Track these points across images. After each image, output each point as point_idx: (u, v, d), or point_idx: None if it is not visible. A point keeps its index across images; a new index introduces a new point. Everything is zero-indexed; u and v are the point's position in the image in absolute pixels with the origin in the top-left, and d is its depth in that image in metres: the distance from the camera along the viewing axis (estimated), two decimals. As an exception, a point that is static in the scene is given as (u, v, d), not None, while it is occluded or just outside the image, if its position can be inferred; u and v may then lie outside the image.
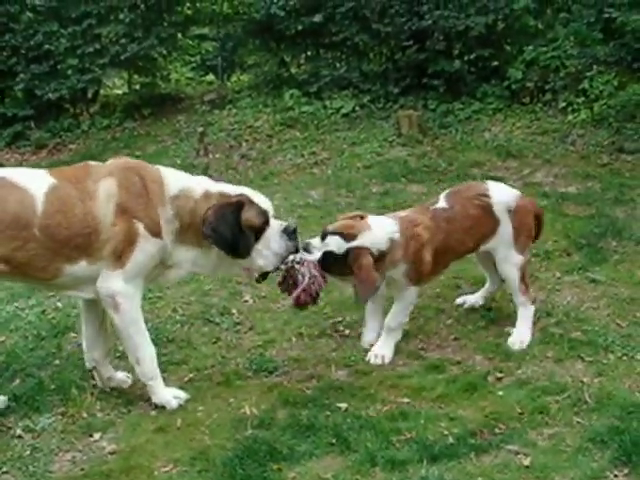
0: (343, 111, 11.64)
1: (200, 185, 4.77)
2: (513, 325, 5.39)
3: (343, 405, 4.60)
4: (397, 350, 5.24)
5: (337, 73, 12.44)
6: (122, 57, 12.64)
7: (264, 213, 4.74)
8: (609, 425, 4.20)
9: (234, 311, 6.01)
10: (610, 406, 4.41)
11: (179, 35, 13.83)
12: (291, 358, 5.26)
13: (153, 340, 5.36)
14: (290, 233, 4.80)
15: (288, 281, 4.89)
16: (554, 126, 10.50)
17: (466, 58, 11.63)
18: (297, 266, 4.84)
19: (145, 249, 4.61)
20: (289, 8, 12.38)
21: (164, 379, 5.05)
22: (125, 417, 4.72)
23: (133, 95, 13.59)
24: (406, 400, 4.63)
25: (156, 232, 4.63)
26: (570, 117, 10.64)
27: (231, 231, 4.61)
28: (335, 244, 4.94)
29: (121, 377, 5.10)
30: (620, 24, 10.84)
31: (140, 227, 4.58)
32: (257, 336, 5.63)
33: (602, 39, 11.14)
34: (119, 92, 14.37)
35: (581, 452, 4.03)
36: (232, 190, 4.80)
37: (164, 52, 13.25)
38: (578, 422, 4.31)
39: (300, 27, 12.35)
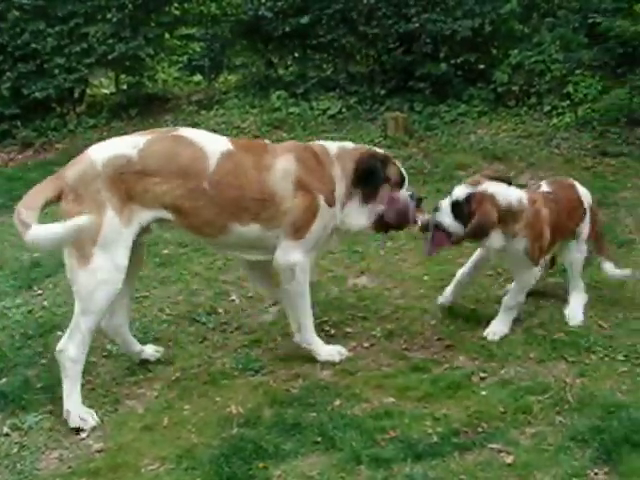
0: (330, 112, 11.71)
1: (351, 146, 5.35)
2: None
3: (328, 404, 4.64)
4: (382, 350, 5.29)
5: (324, 74, 12.53)
6: (109, 57, 12.64)
7: (402, 175, 5.31)
8: (590, 424, 4.25)
9: (221, 311, 6.04)
10: (592, 406, 4.46)
11: (167, 35, 13.85)
12: (277, 357, 5.29)
13: (140, 339, 5.45)
14: (417, 199, 5.29)
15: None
16: (539, 129, 10.59)
17: (452, 61, 11.72)
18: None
19: (323, 220, 5.06)
20: (277, 9, 12.43)
21: (150, 378, 5.12)
22: (112, 415, 4.75)
23: (120, 95, 13.60)
24: (391, 399, 4.67)
25: (331, 202, 5.09)
26: (555, 120, 10.75)
27: (378, 175, 5.17)
28: (459, 192, 5.17)
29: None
30: (604, 29, 10.94)
31: (321, 200, 5.03)
32: (243, 335, 5.65)
33: (587, 44, 11.23)
34: (106, 92, 14.38)
35: (563, 451, 4.08)
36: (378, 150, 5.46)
37: (151, 52, 13.20)
38: (560, 421, 4.35)
39: (288, 29, 12.40)
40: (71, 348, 4.66)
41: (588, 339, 5.27)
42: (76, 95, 13.46)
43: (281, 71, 13.42)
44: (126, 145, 4.82)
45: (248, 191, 4.90)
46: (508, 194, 5.17)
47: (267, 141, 5.37)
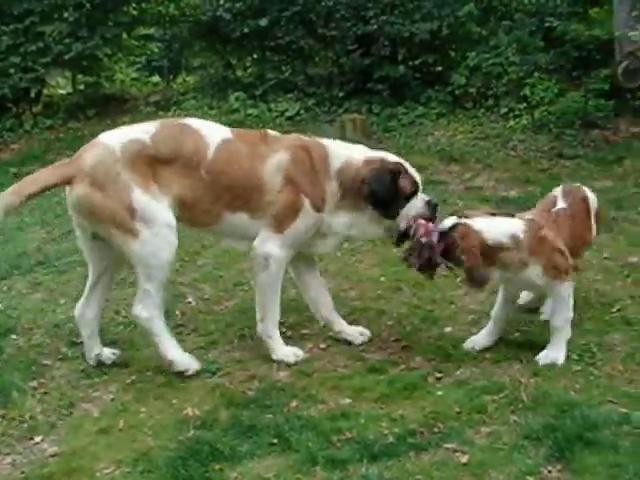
0: (288, 114, 11.71)
1: (361, 153, 5.29)
2: (453, 325, 5.55)
3: (285, 405, 4.63)
4: (338, 351, 5.31)
5: (282, 76, 12.54)
6: (66, 56, 12.52)
7: (416, 184, 5.25)
8: (544, 423, 4.28)
9: (177, 313, 6.01)
10: (545, 405, 4.49)
11: (124, 35, 13.76)
12: (233, 359, 5.28)
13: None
14: (432, 206, 5.28)
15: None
16: (496, 131, 10.69)
17: (410, 63, 11.80)
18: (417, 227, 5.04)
19: (305, 222, 5.13)
20: (235, 11, 12.41)
21: (105, 381, 5.08)
22: (67, 419, 4.71)
23: (77, 95, 13.49)
24: (347, 400, 4.67)
25: (319, 208, 5.15)
26: (511, 123, 10.85)
27: (388, 192, 5.11)
28: (447, 222, 4.99)
29: (354, 332, 5.48)
30: (560, 33, 11.09)
31: (306, 202, 5.10)
32: (200, 337, 5.64)
33: (543, 47, 11.37)
34: (63, 92, 14.26)
35: (517, 449, 4.10)
36: (391, 158, 5.32)
37: (109, 52, 13.15)
38: (515, 420, 4.38)
39: (246, 30, 12.38)
40: (143, 312, 5.01)
41: (543, 339, 5.31)
42: (32, 95, 13.32)
43: (239, 72, 13.42)
44: (138, 131, 5.06)
45: (239, 179, 5.05)
46: (491, 229, 4.93)
47: (271, 132, 5.41)
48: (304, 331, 5.63)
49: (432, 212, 5.25)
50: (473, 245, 4.84)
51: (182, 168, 5.00)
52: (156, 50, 13.84)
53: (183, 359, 5.09)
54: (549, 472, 3.93)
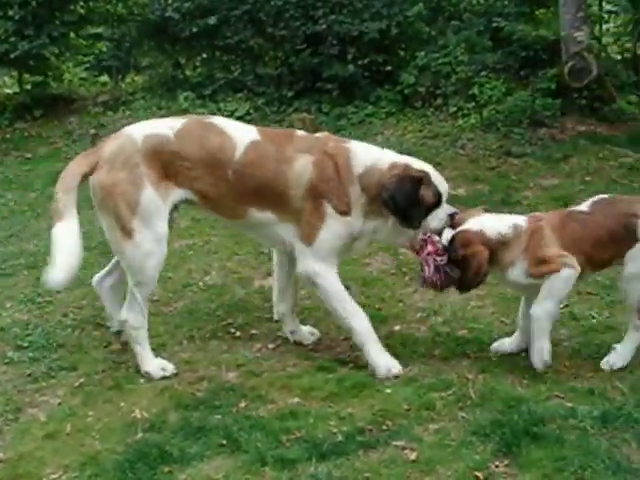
0: (237, 114, 11.64)
1: (387, 157, 5.08)
2: (402, 323, 5.59)
3: (234, 406, 4.62)
4: (287, 351, 5.31)
5: (232, 76, 12.52)
6: (12, 55, 12.30)
7: (439, 194, 4.99)
8: (492, 419, 4.32)
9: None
10: (493, 401, 4.54)
11: (72, 34, 13.58)
12: (182, 360, 5.24)
13: (43, 346, 5.35)
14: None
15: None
16: (444, 130, 10.77)
17: (360, 62, 11.85)
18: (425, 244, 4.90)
19: (334, 228, 4.97)
20: (184, 10, 12.36)
21: (53, 385, 5.01)
22: (13, 424, 4.63)
23: (24, 95, 13.27)
24: (296, 400, 4.67)
25: (344, 211, 4.96)
26: (460, 122, 10.95)
27: (407, 201, 4.88)
28: (445, 236, 4.87)
29: (305, 332, 5.47)
30: (507, 33, 11.24)
31: (328, 207, 4.94)
32: (149, 339, 5.57)
33: (491, 47, 11.51)
34: (9, 92, 14.05)
35: (465, 445, 4.14)
36: (417, 165, 5.09)
37: (56, 51, 12.96)
38: (463, 417, 4.42)
39: (195, 29, 12.34)
40: (131, 318, 5.07)
41: (490, 335, 5.38)
42: (-23, 95, 13.13)
43: (188, 72, 13.36)
44: (163, 126, 5.08)
45: (266, 182, 4.98)
46: (491, 225, 4.83)
47: (298, 131, 5.35)
48: (253, 331, 5.62)
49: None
50: (478, 250, 4.74)
51: (206, 166, 4.98)
52: (105, 49, 13.70)
53: (161, 365, 5.09)
54: (496, 467, 3.97)
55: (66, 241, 4.74)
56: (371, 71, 12.04)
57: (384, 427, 4.34)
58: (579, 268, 4.76)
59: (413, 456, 4.08)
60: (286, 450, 4.16)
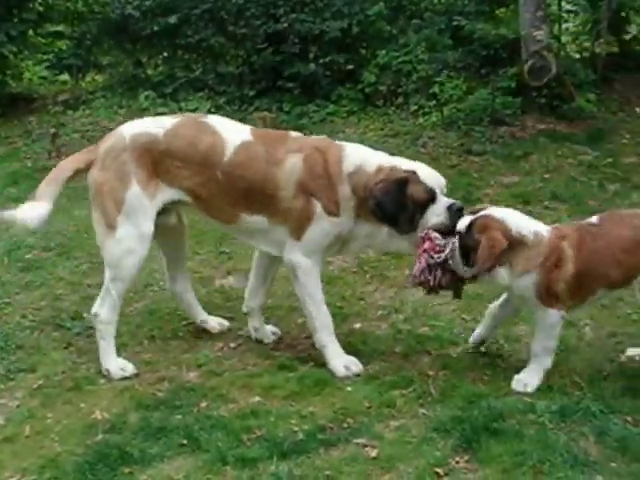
0: (199, 113, 11.60)
1: (375, 159, 4.97)
2: (363, 321, 5.62)
3: (195, 406, 4.60)
4: (248, 350, 5.30)
5: (193, 75, 12.49)
6: (-31, 54, 12.20)
7: (430, 191, 4.82)
8: (452, 415, 4.35)
9: (86, 315, 5.85)
10: (453, 397, 4.58)
11: (31, 32, 13.42)
12: (143, 361, 5.22)
13: (1, 347, 5.31)
14: (454, 211, 4.81)
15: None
16: (406, 128, 10.80)
17: (321, 61, 11.86)
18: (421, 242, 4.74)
19: (321, 227, 4.91)
20: (144, 8, 12.32)
21: (11, 387, 4.95)
22: (-30, 428, 4.58)
23: (-18, 94, 13.12)
24: (257, 399, 4.67)
25: (332, 212, 4.89)
26: (421, 120, 10.99)
27: (394, 206, 4.76)
28: (462, 222, 4.64)
29: (267, 331, 5.47)
30: (468, 32, 11.33)
31: (317, 206, 4.87)
32: (111, 339, 5.55)
33: (451, 45, 11.58)
34: (-33, 91, 13.84)
35: (425, 442, 4.16)
36: (404, 165, 4.94)
37: (15, 50, 12.81)
38: (423, 413, 4.44)
39: (156, 28, 12.30)
40: (102, 312, 5.08)
41: (451, 332, 5.42)
42: None
43: (149, 71, 13.29)
44: (155, 124, 5.13)
45: (256, 184, 4.95)
46: (514, 220, 4.62)
47: (293, 133, 5.31)
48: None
49: (455, 218, 4.77)
50: (496, 236, 4.51)
51: (196, 166, 5.00)
52: (65, 48, 13.57)
53: (120, 365, 5.08)
54: (457, 463, 4.00)
55: (30, 207, 4.99)
56: (332, 70, 12.06)
57: (345, 425, 4.36)
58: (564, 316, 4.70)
59: (374, 453, 4.10)
60: (247, 449, 4.15)
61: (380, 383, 4.78)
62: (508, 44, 11.48)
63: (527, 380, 4.68)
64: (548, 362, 4.70)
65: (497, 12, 13.25)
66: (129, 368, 5.05)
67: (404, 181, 4.80)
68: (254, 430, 4.31)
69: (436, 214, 4.81)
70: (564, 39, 13.83)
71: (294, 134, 5.26)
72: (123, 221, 4.96)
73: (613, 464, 3.93)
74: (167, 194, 5.05)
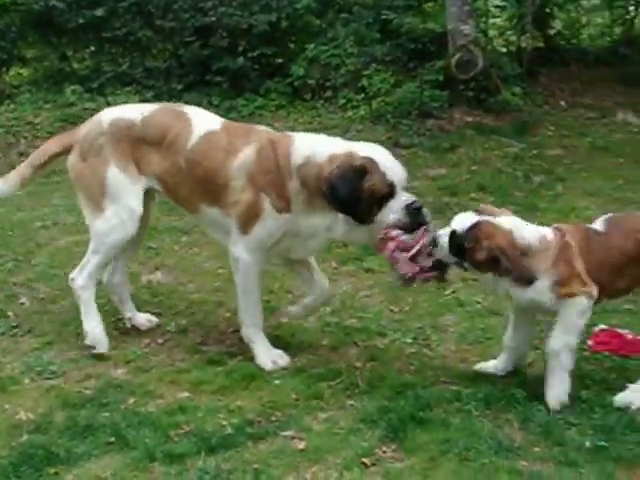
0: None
1: (326, 148, 4.69)
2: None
3: (122, 403, 4.55)
4: (176, 345, 5.27)
5: (120, 69, 12.36)
6: None
7: (390, 183, 4.51)
8: (379, 406, 4.39)
9: (10, 314, 5.78)
10: (381, 388, 4.61)
11: (-50, 24, 13.11)
12: (70, 359, 5.13)
13: None
14: (412, 210, 4.51)
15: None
16: (334, 122, 10.86)
17: (250, 55, 11.87)
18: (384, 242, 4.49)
19: (269, 223, 4.81)
20: (69, 0, 12.08)
21: None
22: None
23: None
24: (185, 394, 4.64)
25: (282, 209, 4.77)
26: (350, 113, 11.07)
27: (348, 191, 4.49)
28: (461, 221, 4.30)
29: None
30: (396, 26, 11.45)
31: (267, 203, 4.77)
32: (35, 339, 5.44)
33: (380, 39, 11.67)
34: None
35: (353, 433, 4.19)
36: (363, 151, 4.63)
37: None
38: (351, 405, 4.47)
39: (82, 21, 12.14)
40: (79, 278, 5.20)
41: (379, 324, 5.47)
42: None
43: (76, 65, 13.08)
44: (133, 110, 5.21)
45: (211, 172, 4.91)
46: (520, 226, 4.33)
47: (258, 126, 5.19)
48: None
49: (412, 218, 4.52)
50: (502, 245, 4.20)
51: (165, 151, 5.02)
52: (-13, 41, 13.28)
53: (96, 336, 5.16)
54: (384, 452, 4.03)
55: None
56: (261, 63, 12.06)
57: (273, 418, 4.36)
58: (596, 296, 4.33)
59: (302, 445, 4.10)
60: (175, 445, 4.12)
61: (308, 376, 4.80)
62: (436, 38, 11.65)
63: (556, 392, 4.33)
64: (569, 362, 4.34)
65: (425, 6, 13.41)
66: (102, 346, 5.16)
67: (362, 169, 4.51)
68: (182, 426, 4.28)
69: (393, 211, 4.53)
70: (491, 33, 14.08)
71: (259, 127, 5.18)
72: (109, 203, 5.05)
73: (536, 449, 3.99)
74: (145, 181, 5.12)
